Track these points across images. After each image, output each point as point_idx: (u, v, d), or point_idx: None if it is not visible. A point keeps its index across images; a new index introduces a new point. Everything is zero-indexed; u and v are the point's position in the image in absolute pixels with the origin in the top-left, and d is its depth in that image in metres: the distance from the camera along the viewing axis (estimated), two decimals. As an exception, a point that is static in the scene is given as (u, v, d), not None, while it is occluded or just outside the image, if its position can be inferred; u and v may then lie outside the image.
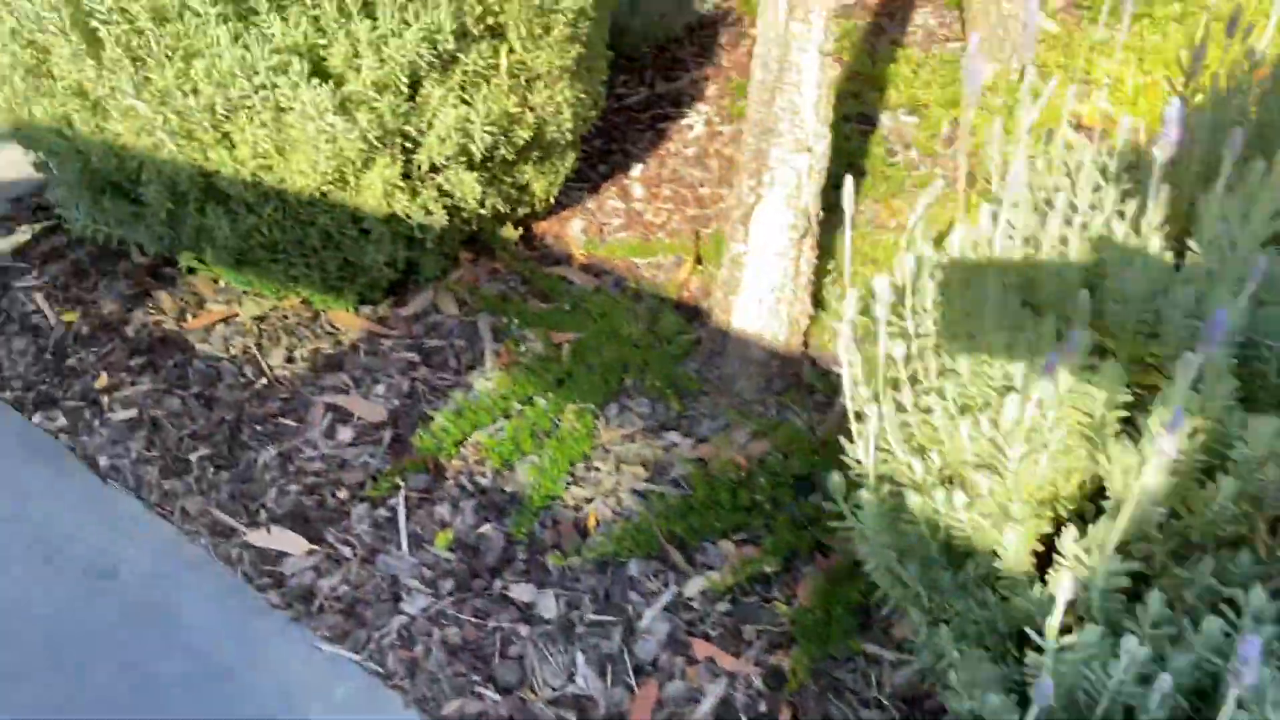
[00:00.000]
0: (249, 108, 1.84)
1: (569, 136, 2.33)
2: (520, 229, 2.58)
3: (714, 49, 3.47)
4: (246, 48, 1.75)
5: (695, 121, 3.07)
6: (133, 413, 2.20)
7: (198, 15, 1.77)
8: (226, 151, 1.90)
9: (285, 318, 2.44)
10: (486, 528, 1.95)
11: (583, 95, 2.30)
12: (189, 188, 1.95)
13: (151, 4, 1.75)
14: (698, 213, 2.71)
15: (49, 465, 2.10)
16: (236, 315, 2.43)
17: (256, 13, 1.78)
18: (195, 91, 1.80)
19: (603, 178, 2.85)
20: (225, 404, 2.21)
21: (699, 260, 2.50)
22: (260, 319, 2.42)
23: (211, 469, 2.08)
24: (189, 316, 2.44)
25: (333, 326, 2.41)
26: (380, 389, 2.25)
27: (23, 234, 2.68)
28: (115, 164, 1.93)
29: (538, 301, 2.44)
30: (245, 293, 2.47)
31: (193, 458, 2.10)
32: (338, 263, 2.18)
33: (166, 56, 1.74)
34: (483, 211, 2.28)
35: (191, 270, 2.49)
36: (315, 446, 2.12)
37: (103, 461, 2.10)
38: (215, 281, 2.51)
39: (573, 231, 2.64)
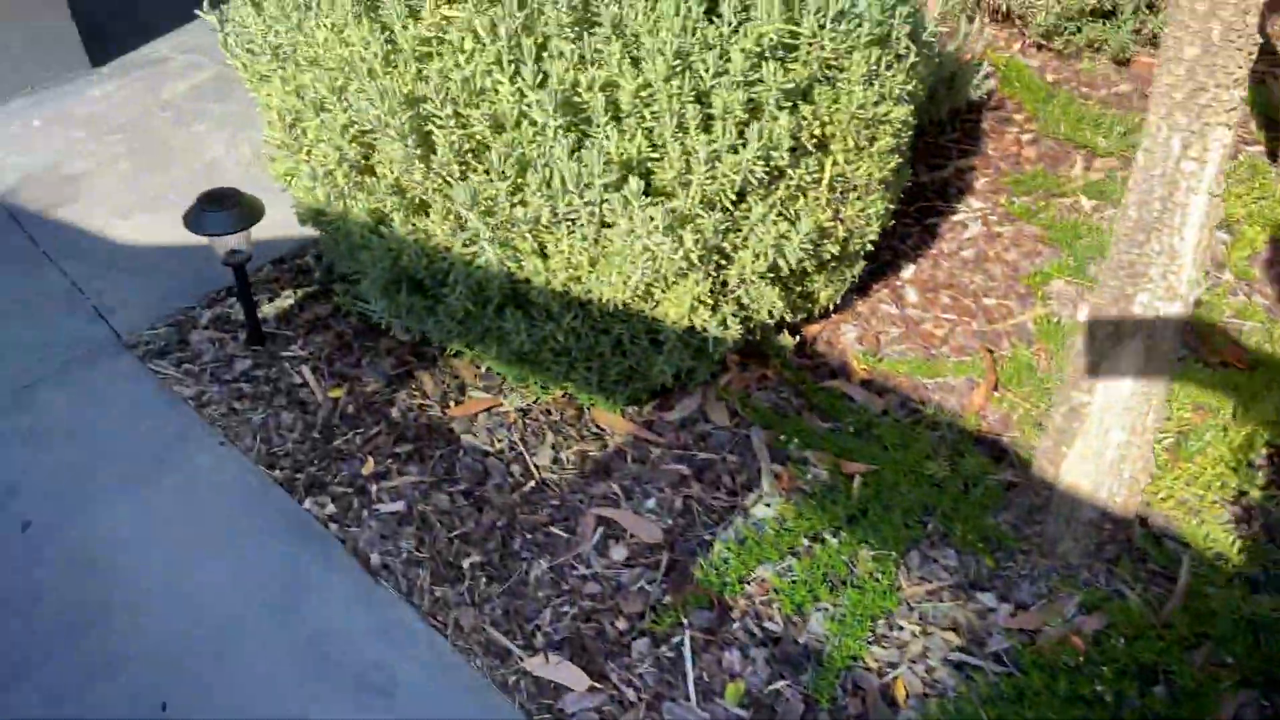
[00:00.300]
0: (572, 220, 1.76)
1: (869, 247, 2.19)
2: (795, 335, 2.44)
3: (978, 136, 3.27)
4: (580, 160, 1.67)
5: (968, 219, 2.88)
6: (401, 506, 2.16)
7: (534, 124, 1.71)
8: (540, 260, 1.83)
9: (548, 412, 2.37)
10: (781, 685, 1.80)
11: (890, 205, 2.15)
12: (495, 293, 1.89)
13: (492, 111, 1.70)
14: (985, 328, 2.52)
15: (321, 556, 2.07)
16: (500, 406, 2.37)
17: (591, 123, 1.70)
18: (524, 203, 1.73)
19: (872, 277, 2.69)
20: (494, 506, 2.14)
21: (995, 386, 2.31)
22: (524, 412, 2.36)
23: (484, 579, 2.01)
24: (452, 403, 2.40)
25: (598, 427, 2.32)
26: (651, 503, 2.14)
27: (286, 298, 2.71)
28: (425, 264, 1.89)
29: (815, 419, 2.29)
30: (506, 381, 2.42)
31: (465, 564, 2.04)
32: (621, 369, 2.08)
33: (502, 172, 1.67)
34: (768, 320, 2.15)
35: (456, 353, 2.46)
36: (588, 564, 2.03)
37: (373, 558, 2.05)
38: (476, 366, 2.47)
39: (846, 339, 2.49)
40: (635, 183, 1.68)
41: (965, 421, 2.24)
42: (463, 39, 1.68)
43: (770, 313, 2.13)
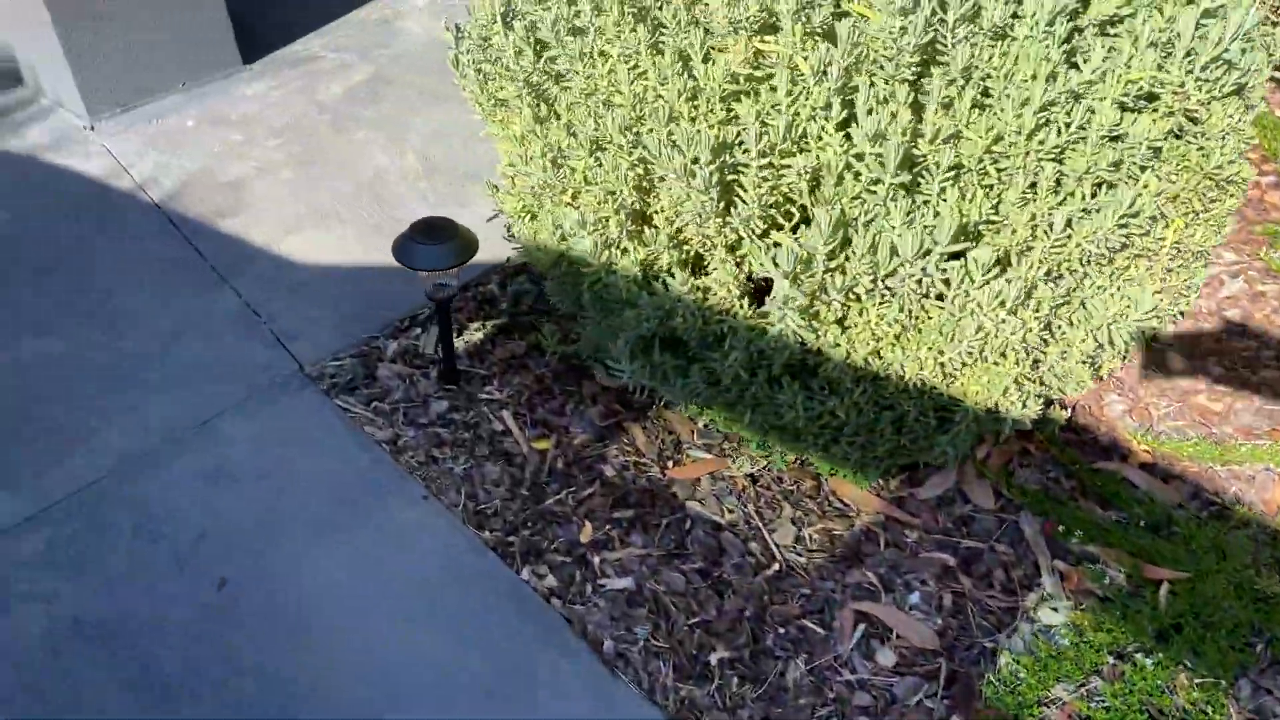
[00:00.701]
0: (891, 290, 1.54)
1: (1180, 317, 1.94)
2: (1063, 408, 2.21)
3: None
4: (916, 223, 1.45)
5: (1224, 274, 2.61)
6: (629, 582, 1.96)
7: (859, 179, 1.49)
8: (838, 330, 1.62)
9: (780, 480, 2.15)
10: (1108, 838, 1.57)
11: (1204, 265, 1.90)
12: (776, 363, 1.68)
13: (808, 164, 1.48)
14: (1271, 405, 2.25)
15: (546, 637, 1.88)
16: (726, 470, 2.16)
17: (920, 180, 1.48)
18: (841, 269, 1.51)
19: (1126, 338, 2.43)
20: (737, 591, 1.94)
21: (1303, 480, 2.05)
22: (753, 479, 2.15)
23: (735, 678, 1.81)
24: (670, 462, 2.20)
25: (841, 502, 2.10)
26: (915, 598, 1.92)
27: (475, 331, 2.52)
28: (699, 325, 1.68)
29: (1093, 506, 2.05)
30: (727, 439, 2.21)
31: (711, 660, 1.84)
32: (890, 446, 1.86)
33: (821, 233, 1.45)
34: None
35: (667, 404, 2.26)
36: (853, 669, 1.81)
37: (606, 645, 1.86)
38: (693, 420, 2.26)
39: (1113, 412, 2.24)
40: (986, 253, 1.45)
41: (1270, 518, 1.99)
42: (777, 76, 1.46)
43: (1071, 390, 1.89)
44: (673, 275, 1.64)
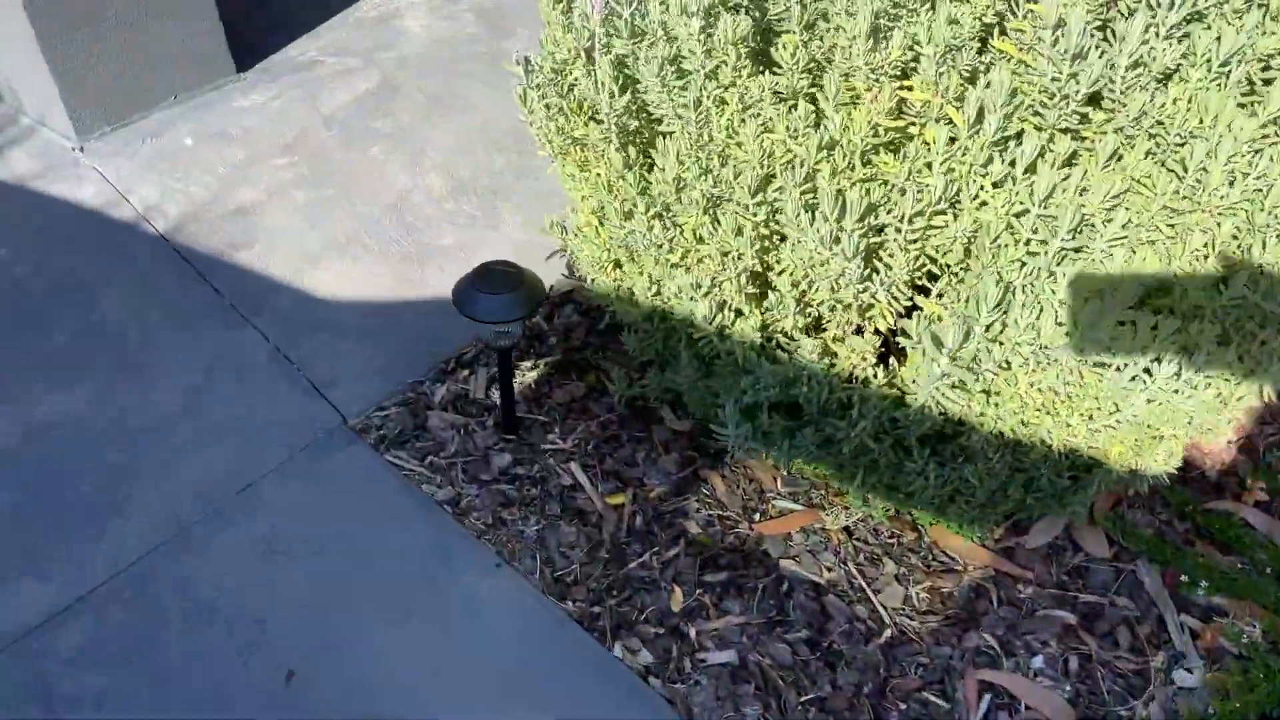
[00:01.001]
0: (1052, 359, 1.42)
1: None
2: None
3: None
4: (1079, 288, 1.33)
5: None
6: (731, 656, 1.84)
7: (1017, 242, 1.36)
8: (984, 400, 1.49)
9: (877, 532, 2.04)
10: None
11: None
12: (911, 433, 1.55)
13: (973, 227, 1.35)
14: (1380, 433, 2.18)
15: (650, 724, 1.75)
16: (818, 522, 2.04)
17: (1085, 242, 1.36)
18: (999, 340, 1.38)
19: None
20: (850, 662, 1.82)
21: None
22: (849, 532, 2.03)
23: (861, 763, 1.69)
24: (756, 515, 2.07)
25: (945, 555, 1.99)
26: (1039, 662, 1.82)
27: (528, 371, 2.37)
28: (825, 393, 1.55)
29: (1211, 550, 1.96)
30: (812, 487, 2.09)
31: (833, 743, 1.72)
32: (1014, 504, 1.75)
33: (977, 301, 1.33)
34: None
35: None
36: (985, 746, 1.71)
37: (717, 730, 1.74)
38: (776, 467, 2.14)
39: (1217, 444, 2.15)
40: (1169, 324, 1.33)
41: (1404, 564, 1.91)
42: (928, 131, 1.33)
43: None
44: (794, 340, 1.50)
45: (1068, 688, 1.78)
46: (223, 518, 2.03)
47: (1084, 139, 1.39)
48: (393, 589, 1.93)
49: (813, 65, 1.50)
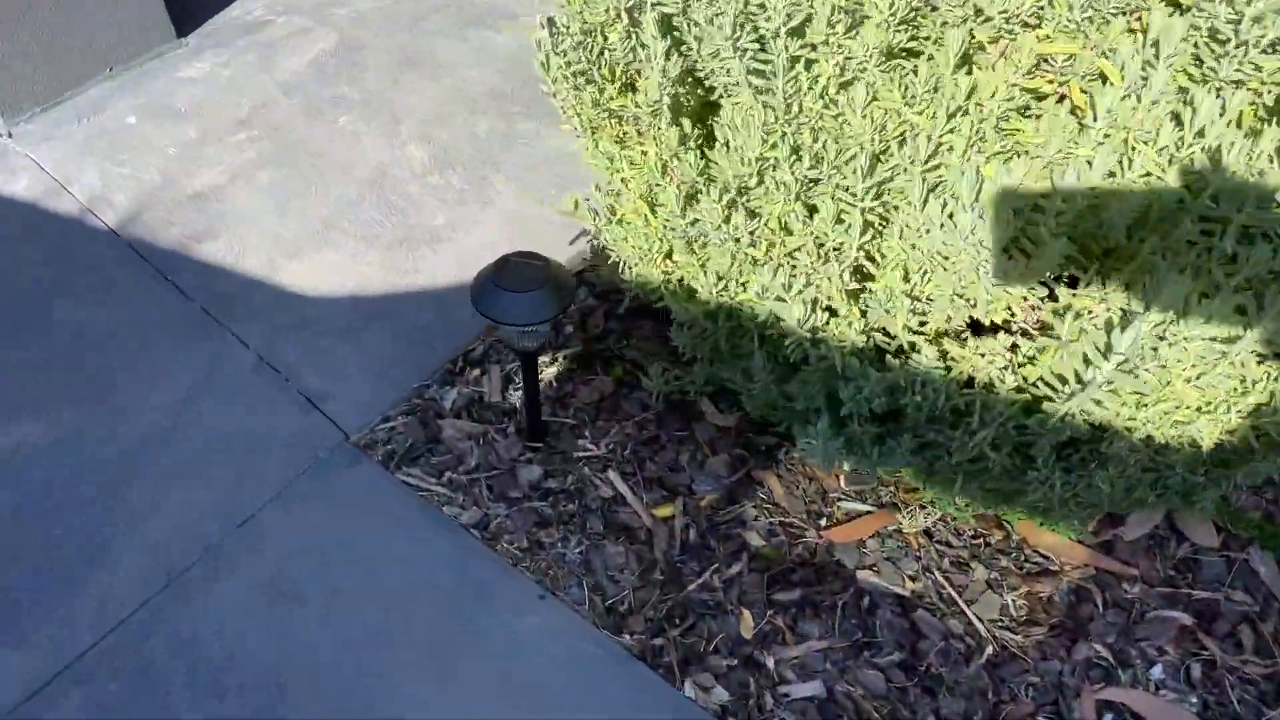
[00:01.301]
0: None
1: None
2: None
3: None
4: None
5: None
6: (816, 688, 1.65)
7: (1192, 220, 1.14)
8: (1134, 407, 1.28)
9: (959, 533, 1.84)
10: None
11: None
12: (1045, 443, 1.34)
13: (1132, 202, 1.13)
14: None
15: (737, 775, 1.55)
16: (893, 524, 1.84)
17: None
18: (1164, 339, 1.17)
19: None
20: (951, 687, 1.64)
21: None
22: (928, 534, 1.83)
23: (980, 806, 1.51)
24: (823, 519, 1.86)
25: (1038, 554, 1.81)
26: (1158, 672, 1.65)
27: (547, 366, 2.13)
28: (940, 400, 1.33)
29: (1327, 533, 1.80)
30: (881, 483, 1.89)
31: (947, 784, 1.54)
32: (1134, 504, 1.56)
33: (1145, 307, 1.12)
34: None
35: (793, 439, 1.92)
36: (1113, 775, 1.54)
37: (812, 776, 1.54)
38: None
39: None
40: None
41: None
42: (1096, 94, 1.10)
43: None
44: (893, 338, 1.27)
45: (1194, 699, 1.61)
46: (221, 558, 1.78)
47: (1253, 90, 1.16)
48: (426, 637, 1.70)
49: (911, 15, 1.25)
